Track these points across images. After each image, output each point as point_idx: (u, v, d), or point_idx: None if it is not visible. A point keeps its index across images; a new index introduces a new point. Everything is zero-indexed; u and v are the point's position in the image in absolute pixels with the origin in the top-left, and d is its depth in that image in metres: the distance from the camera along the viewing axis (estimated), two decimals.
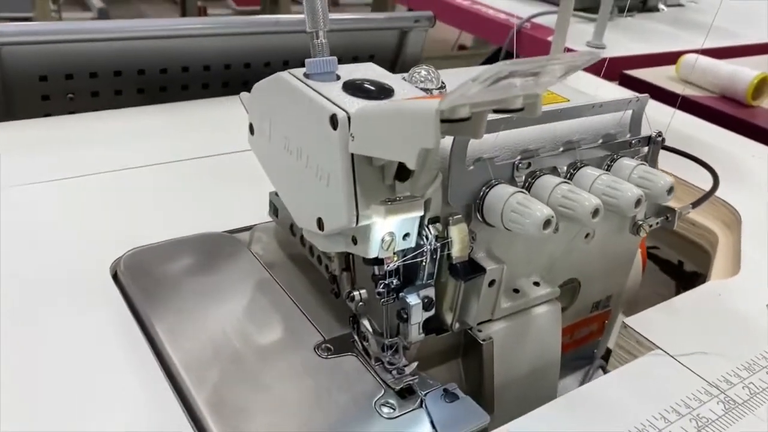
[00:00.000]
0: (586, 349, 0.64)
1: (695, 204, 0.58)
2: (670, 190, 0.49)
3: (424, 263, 0.44)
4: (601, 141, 0.51)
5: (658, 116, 0.57)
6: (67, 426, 0.41)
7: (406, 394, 0.44)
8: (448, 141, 0.43)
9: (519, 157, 0.46)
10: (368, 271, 0.44)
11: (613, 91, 1.07)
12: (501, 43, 1.44)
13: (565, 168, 0.49)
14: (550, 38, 1.14)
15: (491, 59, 1.69)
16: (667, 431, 0.43)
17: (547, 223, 0.42)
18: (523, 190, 0.44)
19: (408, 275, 0.45)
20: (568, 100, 0.51)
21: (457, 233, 0.44)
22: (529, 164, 0.47)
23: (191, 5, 3.14)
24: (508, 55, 1.33)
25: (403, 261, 0.43)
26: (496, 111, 0.36)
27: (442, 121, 0.33)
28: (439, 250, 0.44)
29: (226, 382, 0.44)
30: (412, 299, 0.44)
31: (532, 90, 0.35)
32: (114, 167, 0.70)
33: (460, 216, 0.44)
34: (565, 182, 0.46)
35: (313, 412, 0.42)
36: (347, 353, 0.47)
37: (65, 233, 0.58)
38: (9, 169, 0.66)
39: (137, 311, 0.50)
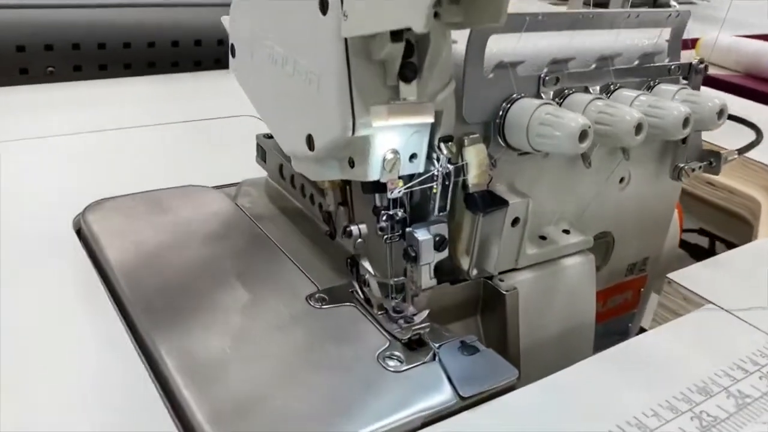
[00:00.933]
0: (620, 322, 0.56)
1: (741, 150, 0.52)
2: (721, 113, 0.42)
3: (435, 191, 0.36)
4: (636, 63, 0.44)
5: None
6: (25, 375, 0.35)
7: (415, 346, 0.36)
8: (461, 46, 0.37)
9: (546, 69, 0.39)
10: (368, 204, 0.37)
11: None
12: None
13: (598, 89, 0.42)
14: None
15: None
16: (735, 389, 0.36)
17: (583, 134, 0.35)
18: (553, 102, 0.37)
19: (416, 210, 0.38)
20: None
21: (474, 155, 0.37)
22: (557, 79, 0.40)
23: None
24: None
25: (410, 187, 0.36)
26: None
27: None
28: (452, 174, 0.36)
29: (192, 332, 0.36)
30: (422, 234, 0.37)
31: None
32: (97, 128, 0.65)
33: (477, 135, 0.37)
34: (600, 98, 0.39)
35: (302, 364, 0.35)
36: (345, 303, 0.39)
37: (36, 188, 0.54)
38: None
39: (98, 261, 0.43)
